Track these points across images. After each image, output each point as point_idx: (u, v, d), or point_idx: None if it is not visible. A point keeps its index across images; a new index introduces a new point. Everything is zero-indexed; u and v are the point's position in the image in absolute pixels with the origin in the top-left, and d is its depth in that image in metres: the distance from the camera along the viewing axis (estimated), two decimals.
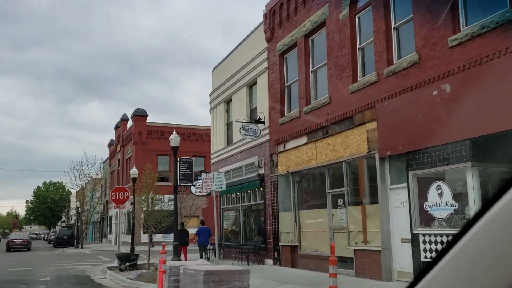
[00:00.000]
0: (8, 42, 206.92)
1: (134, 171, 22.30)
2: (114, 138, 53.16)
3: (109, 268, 19.34)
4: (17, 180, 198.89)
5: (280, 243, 15.82)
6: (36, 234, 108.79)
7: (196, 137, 43.71)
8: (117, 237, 45.44)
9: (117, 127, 49.84)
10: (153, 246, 37.16)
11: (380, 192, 11.28)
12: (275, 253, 16.15)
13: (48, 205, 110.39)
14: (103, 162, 57.38)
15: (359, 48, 12.59)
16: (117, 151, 49.51)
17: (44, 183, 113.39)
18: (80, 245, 41.46)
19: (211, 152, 23.67)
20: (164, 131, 42.59)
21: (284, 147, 15.71)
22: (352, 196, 12.63)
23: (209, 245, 20.84)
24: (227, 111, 21.62)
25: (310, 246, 14.52)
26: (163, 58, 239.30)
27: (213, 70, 23.76)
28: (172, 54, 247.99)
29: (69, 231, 50.42)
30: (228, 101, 21.48)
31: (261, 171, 17.22)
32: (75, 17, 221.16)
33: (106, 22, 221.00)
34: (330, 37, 13.50)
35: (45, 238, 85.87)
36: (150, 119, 42.76)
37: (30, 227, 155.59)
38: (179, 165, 16.09)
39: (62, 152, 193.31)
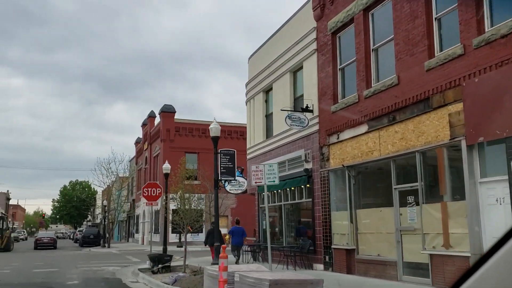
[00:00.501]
0: (37, 45, 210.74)
1: (166, 166, 20.83)
2: (141, 136, 52.17)
3: (140, 270, 17.88)
4: (44, 180, 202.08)
5: (332, 246, 14.01)
6: (62, 233, 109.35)
7: (225, 134, 42.17)
8: (147, 237, 44.15)
9: (144, 125, 48.77)
10: (181, 246, 35.75)
11: (467, 187, 9.38)
12: (326, 257, 14.35)
13: (74, 204, 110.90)
14: (130, 161, 56.48)
15: (435, 18, 10.71)
16: (144, 149, 48.43)
17: (70, 182, 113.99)
18: (107, 245, 40.41)
19: (247, 147, 22.04)
20: (192, 128, 41.28)
21: (338, 138, 13.89)
22: (428, 192, 10.74)
23: (243, 246, 19.28)
24: (266, 101, 19.93)
25: (370, 250, 12.68)
26: (187, 59, 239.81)
27: (249, 58, 22.12)
28: (195, 56, 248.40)
29: (95, 230, 49.55)
30: (267, 90, 19.80)
31: (309, 166, 15.44)
32: (101, 20, 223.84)
33: (132, 24, 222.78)
34: (397, 8, 11.65)
35: (71, 237, 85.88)
36: (176, 117, 41.48)
37: (56, 226, 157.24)
38: (220, 158, 14.46)
39: (88, 153, 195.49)
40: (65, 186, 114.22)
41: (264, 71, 19.68)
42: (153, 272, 17.21)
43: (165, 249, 20.37)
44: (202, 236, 41.55)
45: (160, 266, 17.56)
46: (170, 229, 40.71)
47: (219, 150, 14.74)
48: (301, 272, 13.31)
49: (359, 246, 13.04)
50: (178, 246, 34.99)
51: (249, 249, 19.81)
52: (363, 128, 12.72)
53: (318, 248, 14.79)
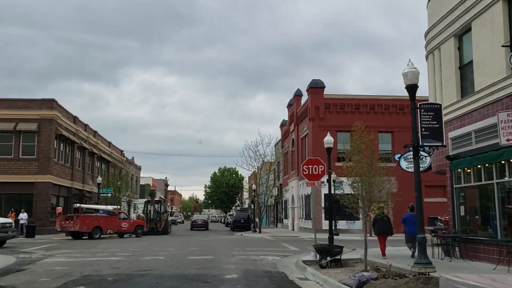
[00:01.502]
0: (186, 45, 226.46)
1: (328, 139, 17.40)
2: (286, 118, 49.94)
3: (305, 262, 14.76)
4: (197, 169, 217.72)
5: None
6: (215, 217, 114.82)
7: (382, 109, 37.39)
8: (297, 223, 41.63)
9: (289, 105, 46.28)
10: (337, 235, 32.27)
11: None
12: None
13: (224, 190, 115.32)
14: (275, 145, 54.76)
15: None
16: (290, 130, 45.99)
17: (219, 169, 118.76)
18: (258, 230, 38.87)
19: None
20: (343, 104, 37.33)
21: None
22: None
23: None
24: (460, 48, 15.10)
25: None
26: (325, 45, 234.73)
27: (428, 3, 17.37)
28: (334, 40, 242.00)
29: (245, 214, 48.86)
30: (461, 34, 14.96)
31: None
32: (242, 14, 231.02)
33: (271, 15, 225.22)
34: None
35: (222, 221, 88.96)
36: (325, 93, 37.83)
37: (209, 211, 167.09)
38: (420, 114, 10.36)
39: (233, 143, 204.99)
40: (215, 173, 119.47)
41: (454, 10, 14.90)
42: (321, 266, 13.96)
43: (331, 239, 17.00)
44: (358, 224, 37.59)
45: (329, 259, 14.24)
46: (322, 215, 37.63)
47: (417, 104, 10.63)
48: None
49: None
50: (335, 234, 31.59)
51: (438, 241, 15.45)
52: None
53: None
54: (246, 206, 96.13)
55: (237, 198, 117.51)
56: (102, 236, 30.39)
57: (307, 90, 38.00)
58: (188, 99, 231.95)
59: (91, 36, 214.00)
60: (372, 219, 17.65)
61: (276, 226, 55.97)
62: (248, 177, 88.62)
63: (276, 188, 51.24)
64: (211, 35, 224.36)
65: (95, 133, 46.62)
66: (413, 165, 18.71)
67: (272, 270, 13.31)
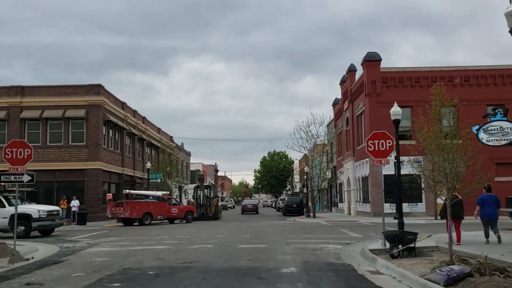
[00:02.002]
0: (233, 30, 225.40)
1: (395, 110, 15.16)
2: (339, 96, 47.38)
3: (373, 251, 12.84)
4: (245, 154, 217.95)
5: None
6: (267, 201, 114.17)
7: (444, 81, 34.10)
8: (354, 206, 39.24)
9: (342, 82, 43.69)
10: (394, 218, 29.86)
11: None
12: None
13: (273, 174, 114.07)
14: (328, 125, 52.31)
15: None
16: (344, 109, 43.47)
17: (269, 153, 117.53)
18: (312, 214, 37.02)
19: None
20: (402, 77, 34.45)
21: None
22: None
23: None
24: None
25: None
26: (375, 23, 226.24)
27: None
28: (384, 18, 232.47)
29: (297, 198, 47.08)
30: None
31: None
32: None
33: None
34: None
35: (273, 205, 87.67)
36: (382, 67, 34.99)
37: (259, 196, 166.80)
38: None
39: (282, 127, 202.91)
40: (264, 157, 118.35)
41: None
42: (392, 256, 12.02)
43: (401, 224, 14.87)
44: (421, 206, 34.88)
45: (401, 247, 12.26)
46: (382, 197, 35.11)
47: None
48: None
49: None
50: (395, 218, 29.18)
51: None
52: None
53: None
54: (297, 190, 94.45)
55: (287, 183, 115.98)
56: (152, 222, 29.66)
57: (362, 64, 35.35)
58: (236, 85, 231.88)
59: (141, 27, 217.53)
60: (447, 201, 15.38)
61: (331, 210, 53.84)
62: (299, 160, 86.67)
63: (330, 171, 48.94)
64: (258, 19, 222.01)
65: (143, 119, 46.20)
66: (494, 138, 16.19)
67: (336, 262, 11.47)
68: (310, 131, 37.78)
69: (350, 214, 40.46)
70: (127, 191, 29.02)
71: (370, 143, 14.00)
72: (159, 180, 34.38)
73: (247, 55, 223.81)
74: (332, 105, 50.81)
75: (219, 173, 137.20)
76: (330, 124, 51.15)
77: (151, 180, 33.92)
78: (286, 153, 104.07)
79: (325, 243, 15.55)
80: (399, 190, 14.96)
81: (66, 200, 31.70)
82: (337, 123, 48.43)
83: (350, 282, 8.89)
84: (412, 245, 12.44)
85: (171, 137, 58.83)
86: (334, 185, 51.07)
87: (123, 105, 39.61)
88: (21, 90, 33.88)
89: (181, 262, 11.28)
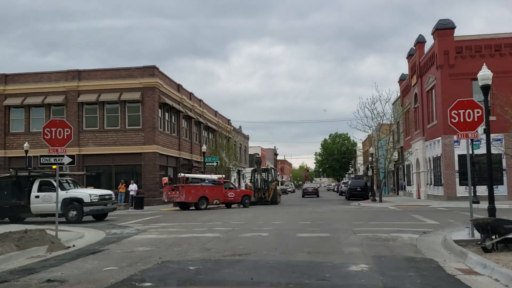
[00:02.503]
0: (292, 12, 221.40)
1: (484, 74, 12.53)
2: (406, 72, 43.90)
3: (458, 243, 10.64)
4: (306, 138, 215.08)
5: None
6: (330, 185, 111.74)
7: None
8: (424, 190, 35.87)
9: (410, 55, 40.21)
10: (478, 203, 26.73)
11: None
12: None
13: (335, 157, 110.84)
14: (393, 103, 48.86)
15: None
16: (412, 84, 40.09)
17: (330, 135, 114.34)
18: (378, 199, 34.48)
19: None
20: (479, 46, 30.77)
21: None
22: None
23: None
24: None
25: None
26: None
27: None
28: None
29: (362, 182, 44.55)
30: None
31: None
32: None
33: None
34: None
35: (335, 189, 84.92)
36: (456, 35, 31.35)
37: (320, 179, 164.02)
38: None
39: (343, 110, 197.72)
40: (325, 140, 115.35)
41: None
42: (485, 250, 9.80)
43: (492, 209, 12.37)
44: (502, 189, 31.28)
45: (496, 239, 9.97)
46: (456, 180, 31.95)
47: None
48: None
49: None
50: (474, 202, 26.15)
51: None
52: None
53: None
54: (360, 173, 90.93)
55: (350, 165, 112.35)
56: (209, 206, 28.63)
57: (432, 34, 31.94)
58: (296, 67, 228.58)
59: (200, 13, 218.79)
60: None
61: (397, 194, 50.65)
62: (362, 142, 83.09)
63: (397, 152, 45.73)
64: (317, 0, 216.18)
65: (200, 101, 45.36)
66: None
67: (416, 257, 9.42)
68: (375, 108, 35.06)
69: (419, 198, 37.43)
70: (182, 174, 28.08)
71: (454, 113, 11.58)
72: (215, 164, 33.29)
73: (306, 37, 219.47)
74: (398, 81, 47.25)
75: (279, 157, 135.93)
76: (397, 102, 47.66)
77: (207, 164, 32.88)
78: (349, 135, 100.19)
79: (397, 232, 13.42)
80: (490, 170, 12.40)
81: (124, 184, 31.45)
82: (404, 101, 44.98)
83: (440, 286, 6.87)
84: (511, 236, 10.12)
85: (229, 120, 57.86)
86: (401, 167, 47.80)
87: (178, 87, 38.82)
88: (78, 74, 33.86)
89: (229, 254, 9.70)
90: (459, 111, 11.51)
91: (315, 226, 15.53)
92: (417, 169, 38.81)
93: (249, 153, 73.96)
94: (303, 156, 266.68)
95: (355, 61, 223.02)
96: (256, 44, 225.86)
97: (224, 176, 31.66)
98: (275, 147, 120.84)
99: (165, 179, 29.19)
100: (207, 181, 29.82)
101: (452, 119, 11.58)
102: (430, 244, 11.27)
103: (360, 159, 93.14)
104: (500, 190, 29.66)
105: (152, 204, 31.40)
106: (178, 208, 28.86)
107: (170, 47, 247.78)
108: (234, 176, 51.95)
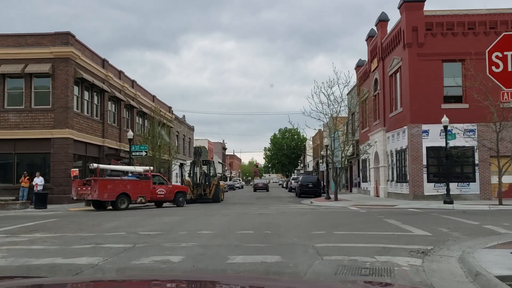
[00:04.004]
0: (245, 8, 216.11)
1: None
2: (363, 58, 40.02)
3: (505, 280, 5.94)
4: (256, 133, 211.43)
5: None
6: (281, 181, 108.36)
7: (508, 27, 26.63)
8: (384, 187, 31.95)
9: (370, 37, 36.23)
10: (451, 203, 22.88)
11: None
12: None
13: (285, 152, 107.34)
14: (347, 94, 44.88)
15: None
16: (371, 69, 36.13)
17: (279, 130, 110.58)
18: (333, 196, 30.17)
19: None
20: (451, 22, 27.04)
21: None
22: None
23: None
24: None
25: None
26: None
27: None
28: None
29: (314, 177, 40.36)
30: None
31: None
32: None
33: None
34: None
35: (284, 185, 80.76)
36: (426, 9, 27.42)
37: (269, 175, 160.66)
38: None
39: (293, 108, 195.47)
40: (275, 135, 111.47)
41: None
42: None
43: None
44: (474, 187, 27.77)
45: None
46: (424, 176, 28.17)
47: None
48: None
49: None
50: (448, 202, 22.21)
51: None
52: None
53: None
54: (310, 169, 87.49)
55: (299, 161, 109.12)
56: (133, 206, 23.12)
57: (399, 7, 27.87)
58: (247, 64, 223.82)
59: (150, 5, 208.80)
60: None
61: (350, 191, 46.96)
62: (312, 137, 79.50)
63: (351, 146, 41.83)
64: None
65: (133, 82, 39.32)
66: None
67: None
68: (333, 93, 30.72)
69: (378, 196, 33.56)
70: (95, 165, 22.28)
71: (497, 57, 6.87)
72: (143, 154, 27.64)
73: (258, 34, 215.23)
74: (355, 68, 43.31)
75: (228, 152, 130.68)
76: (353, 91, 43.67)
77: (133, 153, 27.19)
78: (298, 130, 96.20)
79: (384, 251, 8.68)
80: None
81: (27, 177, 25.26)
82: (361, 89, 41.06)
83: None
84: None
85: (170, 108, 51.96)
86: (356, 162, 44.05)
87: (103, 62, 32.70)
88: None
89: None
90: (504, 53, 6.82)
91: (259, 239, 10.53)
92: (375, 164, 34.94)
93: (195, 145, 68.29)
94: (253, 151, 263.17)
95: (305, 60, 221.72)
96: (208, 38, 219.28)
97: (152, 168, 26.03)
98: (223, 141, 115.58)
99: (75, 171, 23.25)
100: (130, 174, 24.21)
101: (493, 67, 6.86)
102: (451, 281, 6.57)
103: (310, 155, 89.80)
104: (472, 188, 26.10)
105: (62, 202, 25.42)
106: (92, 207, 23.10)
107: (119, 39, 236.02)
108: (176, 170, 46.32)
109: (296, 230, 12.38)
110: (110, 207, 22.57)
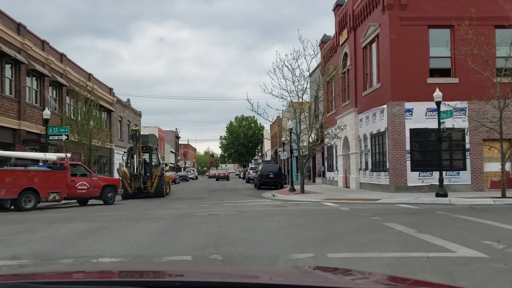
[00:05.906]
0: None
1: None
2: (328, 33, 35.59)
3: None
4: (213, 125, 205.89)
5: None
6: (239, 171, 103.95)
7: None
8: (356, 177, 27.95)
9: (338, 6, 31.75)
10: (445, 195, 18.67)
11: None
12: None
13: (241, 141, 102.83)
14: (310, 75, 40.40)
15: None
16: (340, 43, 31.74)
17: (236, 117, 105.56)
18: (298, 188, 25.65)
19: None
20: None
21: None
22: None
23: None
24: None
25: None
26: None
27: None
28: None
29: (275, 166, 35.88)
30: None
31: None
32: None
33: None
34: None
35: (241, 176, 76.04)
36: None
37: (226, 166, 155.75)
38: None
39: (250, 97, 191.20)
40: (231, 123, 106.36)
41: None
42: None
43: None
44: (465, 177, 23.96)
45: None
46: (407, 164, 24.14)
47: None
48: None
49: None
50: (441, 195, 18.09)
51: None
52: None
53: None
54: (268, 158, 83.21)
55: (257, 150, 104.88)
56: (44, 204, 17.63)
57: None
58: (203, 53, 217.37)
59: None
60: None
61: (314, 181, 42.79)
62: (270, 125, 75.15)
63: (315, 131, 37.55)
64: None
65: (61, 56, 33.11)
66: None
67: None
68: (298, 66, 26.14)
69: (348, 187, 29.40)
70: None
71: None
72: (64, 137, 21.98)
73: (214, 22, 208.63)
74: (319, 45, 38.77)
75: (182, 141, 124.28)
76: (315, 73, 39.20)
77: (50, 137, 21.46)
78: (256, 118, 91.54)
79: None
80: None
81: None
82: (324, 69, 36.62)
83: None
84: None
85: (111, 89, 45.76)
86: (320, 149, 39.81)
87: (19, 27, 26.48)
88: None
89: None
90: None
91: (211, 248, 5.64)
92: (344, 151, 30.77)
93: (143, 133, 62.10)
94: (209, 140, 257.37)
95: (261, 50, 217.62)
96: (162, 26, 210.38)
97: (69, 155, 20.33)
98: (176, 129, 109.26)
99: None
100: (41, 164, 18.60)
101: None
102: None
103: (268, 139, 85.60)
104: (462, 178, 22.22)
105: None
106: None
107: (68, 25, 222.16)
108: (120, 160, 40.42)
109: (265, 250, 7.56)
110: (13, 207, 17.00)
